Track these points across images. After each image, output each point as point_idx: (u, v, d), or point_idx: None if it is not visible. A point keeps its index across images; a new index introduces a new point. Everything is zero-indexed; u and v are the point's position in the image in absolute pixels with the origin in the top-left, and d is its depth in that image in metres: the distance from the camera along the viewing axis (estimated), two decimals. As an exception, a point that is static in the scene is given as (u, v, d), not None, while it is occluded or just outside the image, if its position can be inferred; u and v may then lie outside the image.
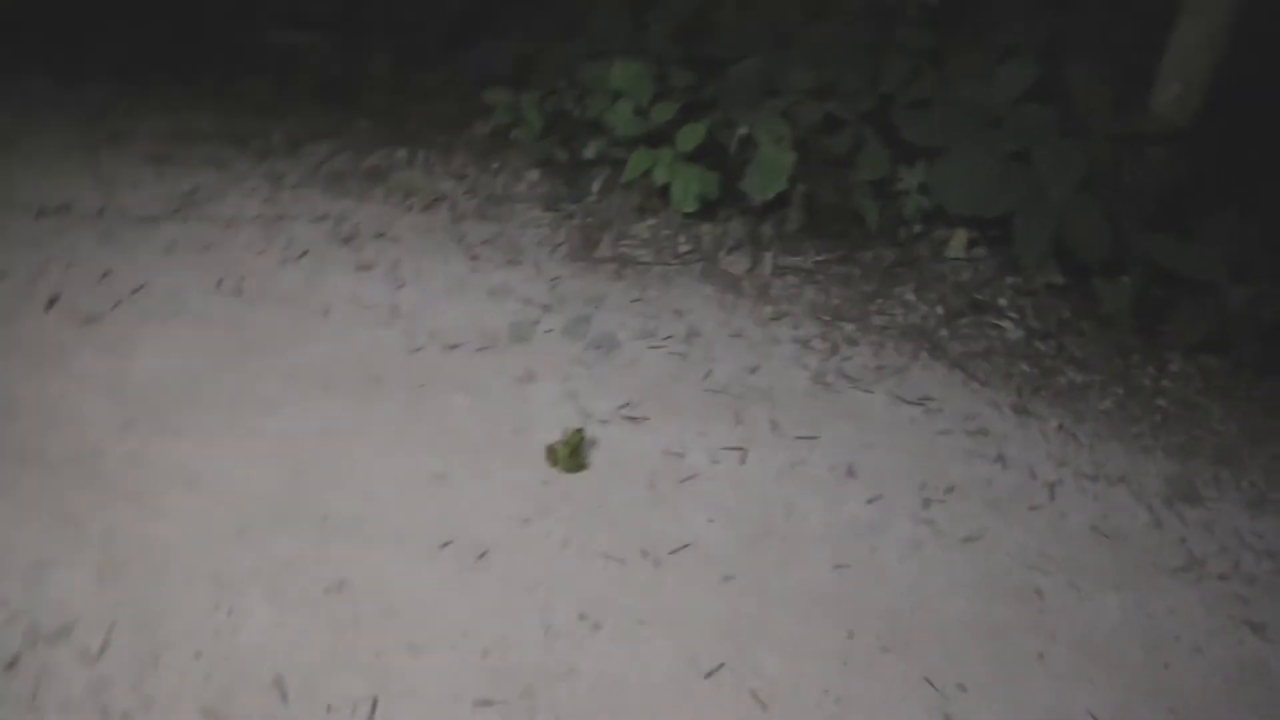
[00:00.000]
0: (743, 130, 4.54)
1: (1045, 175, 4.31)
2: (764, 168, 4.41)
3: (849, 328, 4.19)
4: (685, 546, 3.12)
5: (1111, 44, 4.68)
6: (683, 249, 4.52)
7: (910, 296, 4.39)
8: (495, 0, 5.80)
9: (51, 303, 3.84)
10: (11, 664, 2.65)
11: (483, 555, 3.01)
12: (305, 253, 4.21)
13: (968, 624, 3.00)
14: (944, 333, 4.23)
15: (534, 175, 4.88)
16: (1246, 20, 4.33)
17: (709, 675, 2.76)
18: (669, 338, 3.99)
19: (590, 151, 4.82)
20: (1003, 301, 4.41)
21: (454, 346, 3.80)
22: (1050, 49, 4.62)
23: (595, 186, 4.82)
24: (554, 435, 3.41)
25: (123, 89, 5.34)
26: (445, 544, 3.03)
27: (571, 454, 3.32)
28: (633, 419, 3.57)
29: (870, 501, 3.37)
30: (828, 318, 4.22)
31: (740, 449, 3.50)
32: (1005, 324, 4.30)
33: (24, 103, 5.25)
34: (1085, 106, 4.44)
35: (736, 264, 4.43)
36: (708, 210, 4.60)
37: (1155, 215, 4.44)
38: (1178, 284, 4.35)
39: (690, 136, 4.52)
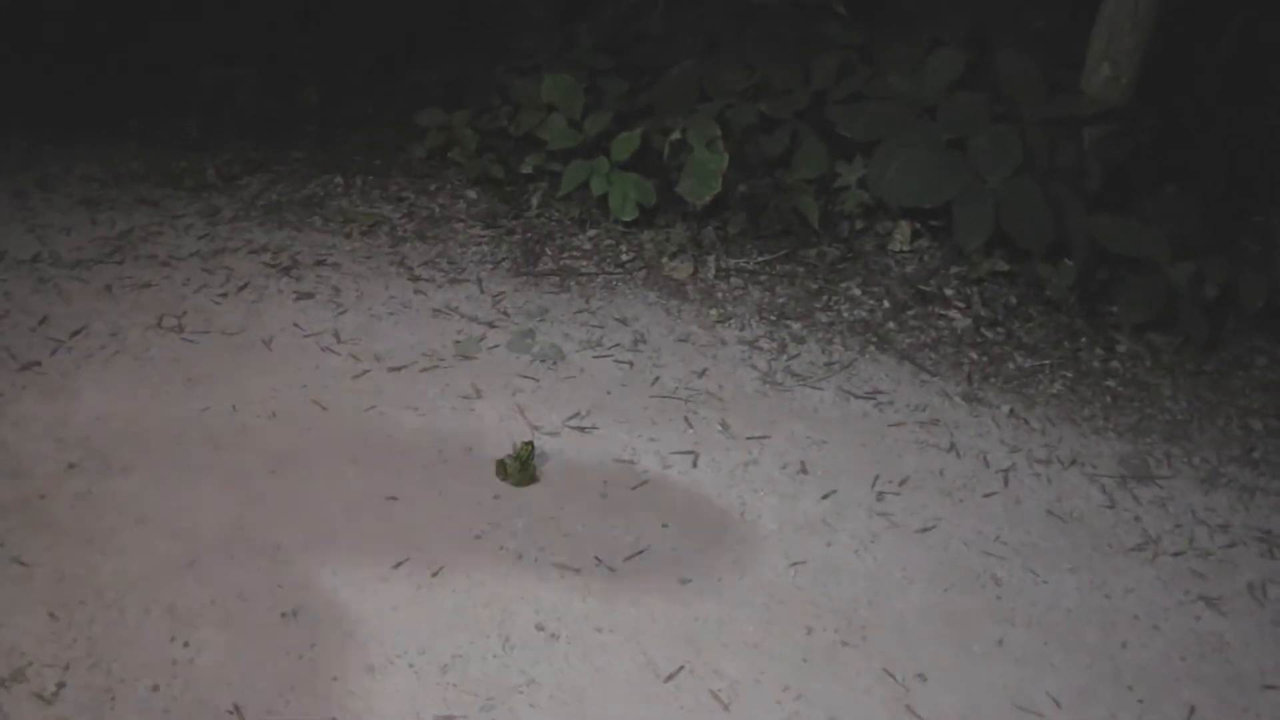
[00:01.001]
0: (674, 135, 4.54)
1: (982, 163, 4.34)
2: (697, 171, 4.42)
3: (796, 326, 4.19)
4: (640, 552, 3.09)
5: (1038, 30, 4.73)
6: (625, 257, 4.51)
7: (856, 291, 4.40)
8: (425, 24, 5.78)
9: (-13, 351, 3.78)
10: (-41, 714, 2.60)
11: (437, 573, 2.97)
12: (245, 285, 4.17)
13: (926, 614, 2.99)
14: (891, 325, 4.24)
15: (472, 194, 4.86)
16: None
17: (669, 679, 2.73)
18: (615, 346, 3.98)
19: (527, 167, 4.81)
20: (949, 291, 4.42)
21: (399, 368, 3.76)
22: (977, 37, 4.66)
23: (534, 201, 4.80)
24: (504, 450, 3.38)
25: (51, 134, 5.27)
26: (399, 564, 2.99)
27: (522, 467, 3.29)
28: (582, 429, 3.55)
29: (824, 497, 3.36)
30: (774, 317, 4.22)
31: (691, 452, 3.49)
32: (952, 313, 4.32)
33: (-52, 155, 5.18)
34: (1017, 92, 4.48)
35: (680, 269, 4.42)
36: (648, 217, 4.60)
37: (1096, 196, 4.48)
38: (1121, 264, 4.39)
39: (625, 145, 4.52)
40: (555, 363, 3.86)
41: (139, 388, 3.60)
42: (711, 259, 4.49)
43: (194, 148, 5.25)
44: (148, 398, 3.56)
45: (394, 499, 3.21)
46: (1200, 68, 4.98)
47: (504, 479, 3.29)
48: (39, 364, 3.68)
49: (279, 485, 3.24)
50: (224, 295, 4.11)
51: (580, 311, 4.17)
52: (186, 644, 2.73)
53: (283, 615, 2.82)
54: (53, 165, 5.02)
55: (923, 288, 4.42)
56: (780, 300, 4.32)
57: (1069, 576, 3.17)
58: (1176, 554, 3.31)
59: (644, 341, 4.02)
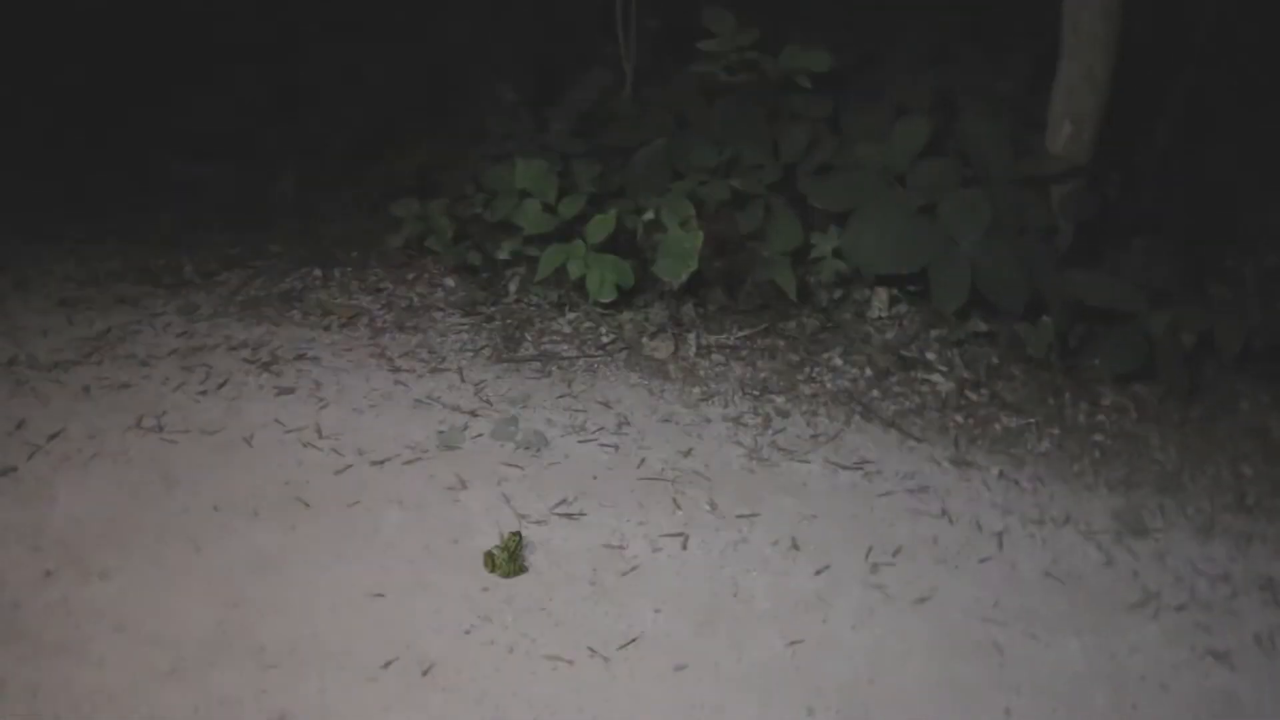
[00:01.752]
0: (648, 215, 4.56)
1: (953, 226, 4.37)
2: (673, 250, 4.43)
3: (779, 399, 4.17)
4: (634, 640, 3.04)
5: (1000, 92, 4.79)
6: (605, 339, 4.50)
7: (838, 361, 4.39)
8: (397, 110, 5.82)
9: (-38, 461, 3.73)
10: (-64, 847, 2.52)
11: (427, 671, 2.92)
12: (225, 382, 4.14)
13: (929, 686, 2.94)
14: (875, 393, 4.23)
15: (450, 282, 4.86)
16: (1129, 56, 4.45)
17: (670, 770, 2.68)
18: (599, 430, 3.95)
19: (504, 252, 4.81)
20: (930, 355, 4.42)
21: (382, 461, 3.72)
22: (941, 103, 4.71)
23: (512, 287, 4.80)
24: (491, 541, 3.34)
25: (27, 235, 5.27)
26: (388, 663, 2.94)
27: (510, 558, 3.25)
28: (569, 516, 3.51)
29: (818, 573, 3.32)
30: (757, 392, 4.21)
31: (681, 534, 3.45)
32: (935, 377, 4.31)
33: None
34: (983, 155, 4.52)
35: (660, 348, 4.41)
36: (626, 298, 4.59)
37: (1067, 252, 4.51)
38: (1099, 318, 4.40)
39: (600, 227, 4.52)
40: (539, 450, 3.83)
41: (118, 490, 3.56)
42: (691, 337, 4.49)
43: (172, 244, 5.24)
44: (127, 500, 3.51)
45: (380, 595, 3.16)
46: (1157, 120, 5.05)
47: (492, 570, 3.25)
48: (15, 469, 3.63)
49: (262, 586, 3.18)
50: (203, 393, 4.08)
51: (563, 396, 4.15)
52: (171, 758, 2.67)
53: (270, 722, 2.77)
54: (30, 268, 5.00)
55: (904, 353, 4.42)
56: (762, 374, 4.31)
57: (1072, 639, 3.13)
58: (1179, 608, 3.27)
59: (628, 424, 3.99)
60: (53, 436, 3.80)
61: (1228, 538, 3.59)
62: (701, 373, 4.31)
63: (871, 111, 4.74)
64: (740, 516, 3.54)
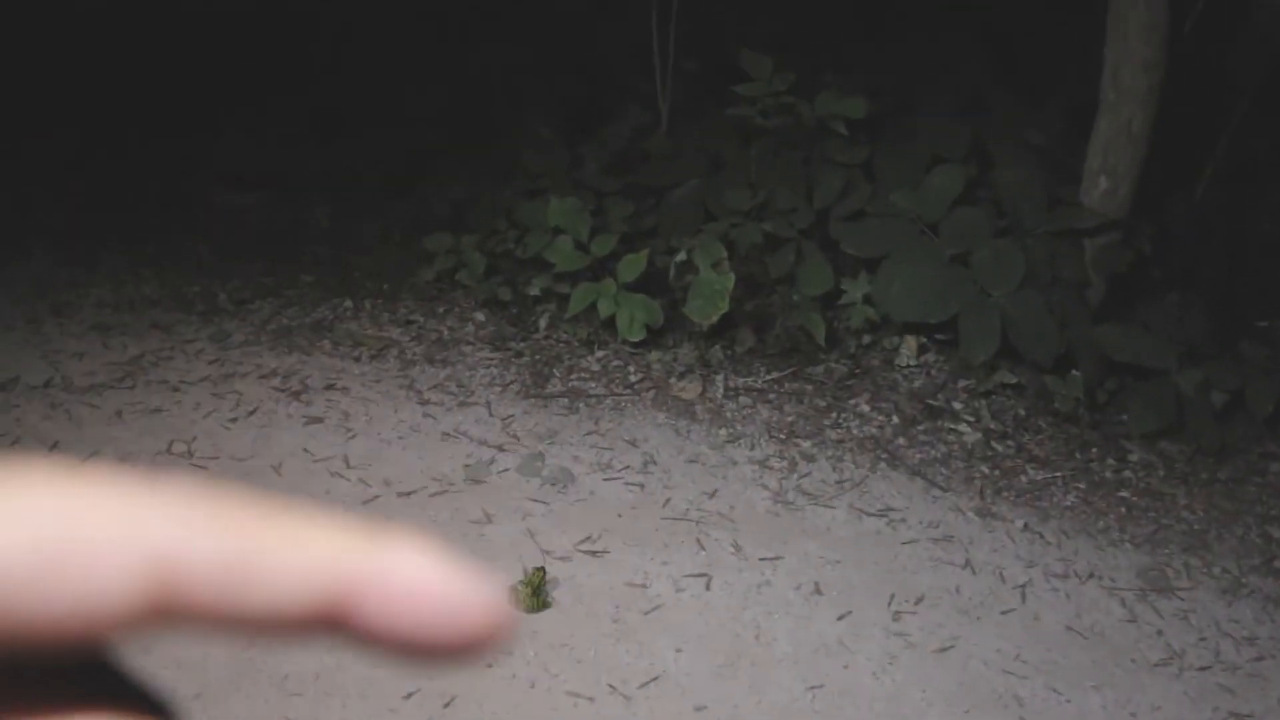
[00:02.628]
0: (680, 256, 4.59)
1: (985, 277, 4.37)
2: (704, 292, 4.45)
3: (806, 444, 4.18)
4: (655, 679, 3.04)
5: (1036, 145, 4.80)
6: (633, 378, 4.52)
7: (865, 408, 4.39)
8: (431, 147, 5.88)
9: (-4, 480, 3.77)
10: None
11: (449, 703, 2.92)
12: (254, 410, 4.17)
13: (949, 737, 2.93)
14: (901, 441, 4.23)
15: (480, 316, 4.89)
16: (1168, 111, 4.46)
17: (687, 813, 2.67)
18: (625, 468, 3.96)
19: (534, 289, 4.84)
20: (957, 405, 4.42)
21: (409, 493, 3.74)
22: (976, 153, 4.72)
23: (542, 323, 4.83)
24: (515, 575, 3.35)
25: (66, 260, 5.34)
26: (409, 694, 2.94)
27: (533, 593, 3.25)
28: (593, 553, 3.52)
29: (840, 618, 3.31)
30: (783, 436, 4.21)
31: (704, 575, 3.45)
32: (962, 427, 4.31)
33: (-35, 282, 5.23)
34: (1017, 207, 4.53)
35: (688, 389, 4.43)
36: (655, 337, 4.61)
37: (1099, 306, 4.51)
38: (1128, 373, 4.39)
39: (631, 267, 4.55)
40: (565, 486, 3.84)
41: (148, 516, 3.58)
42: (719, 378, 4.50)
43: (206, 272, 5.30)
44: (156, 526, 3.53)
45: (404, 627, 3.17)
46: (1195, 177, 5.05)
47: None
48: (48, 493, 3.67)
49: (288, 614, 3.20)
50: (234, 420, 4.11)
51: (589, 433, 4.16)
52: (192, 783, 2.69)
53: (291, 751, 2.78)
54: (68, 292, 5.06)
55: (931, 402, 4.42)
56: (789, 418, 4.32)
57: (1093, 694, 3.11)
58: (1203, 668, 3.25)
59: (654, 463, 4.00)
60: (86, 459, 3.83)
61: (1255, 600, 3.56)
62: (728, 414, 4.32)
63: (906, 159, 4.76)
64: (764, 559, 3.54)
